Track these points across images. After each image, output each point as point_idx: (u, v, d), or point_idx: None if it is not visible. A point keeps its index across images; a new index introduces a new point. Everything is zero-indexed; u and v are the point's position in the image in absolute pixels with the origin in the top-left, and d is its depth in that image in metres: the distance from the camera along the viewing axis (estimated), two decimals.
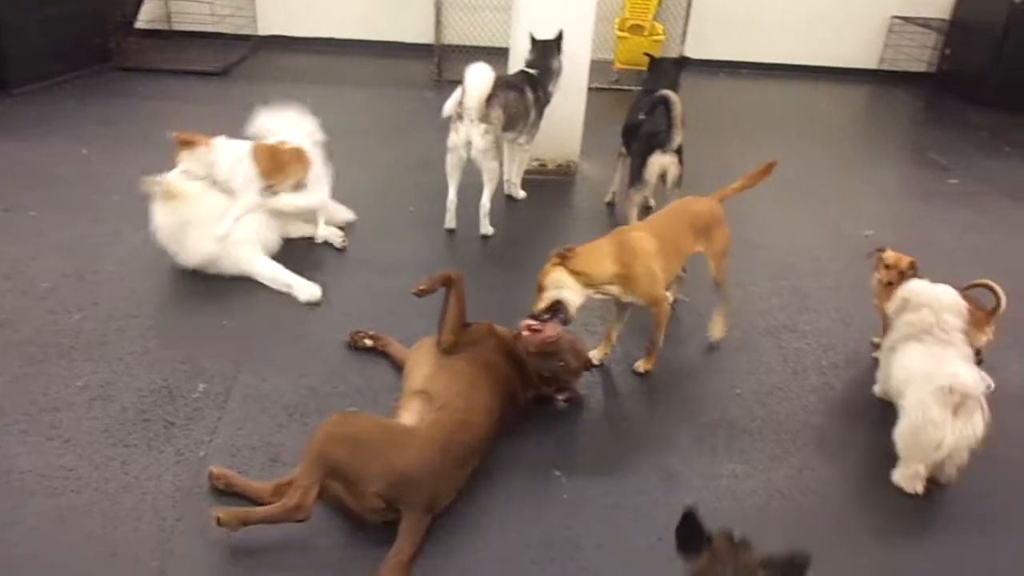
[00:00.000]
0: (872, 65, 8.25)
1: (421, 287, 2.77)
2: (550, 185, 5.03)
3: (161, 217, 3.49)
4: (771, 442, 2.85)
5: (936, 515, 2.60)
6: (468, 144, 4.03)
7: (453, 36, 7.63)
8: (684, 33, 7.44)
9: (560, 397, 2.88)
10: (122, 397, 2.78)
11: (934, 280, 2.95)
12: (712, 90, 7.63)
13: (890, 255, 3.22)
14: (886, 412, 2.95)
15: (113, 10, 6.67)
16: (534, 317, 2.76)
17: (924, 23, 7.95)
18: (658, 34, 7.48)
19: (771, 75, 8.14)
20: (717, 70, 8.02)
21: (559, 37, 4.51)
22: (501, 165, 4.29)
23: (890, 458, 2.68)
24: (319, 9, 7.77)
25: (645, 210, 4.47)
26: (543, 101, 4.51)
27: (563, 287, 2.80)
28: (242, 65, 7.13)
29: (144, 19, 7.39)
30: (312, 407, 2.80)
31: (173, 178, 3.52)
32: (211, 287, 3.54)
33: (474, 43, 7.48)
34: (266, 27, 7.75)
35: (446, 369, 2.62)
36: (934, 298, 2.80)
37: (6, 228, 3.92)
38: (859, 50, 8.21)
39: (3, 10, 5.58)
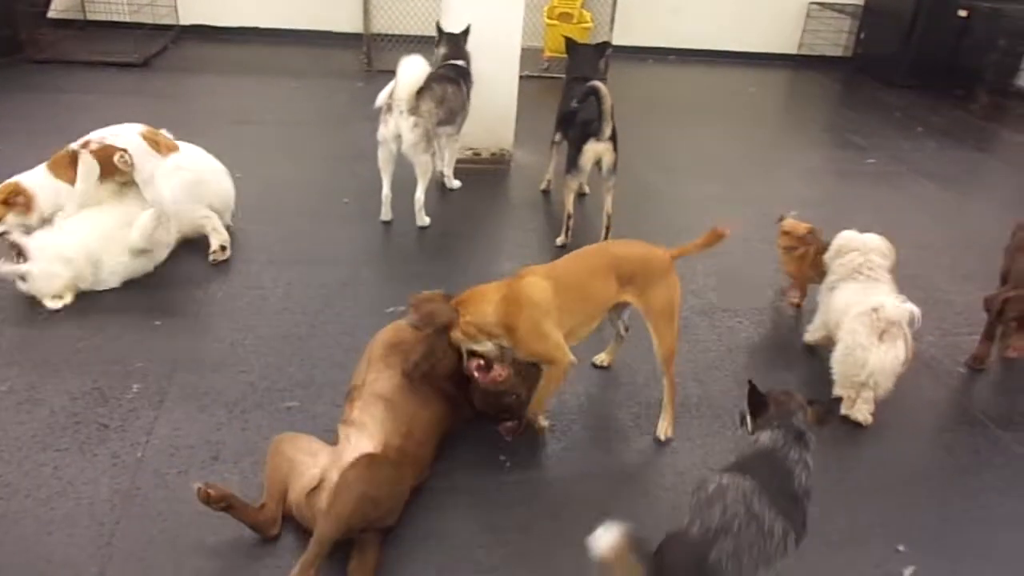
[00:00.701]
0: (792, 50, 8.52)
1: (415, 324, 2.48)
2: (485, 174, 5.04)
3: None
4: (708, 418, 2.94)
5: (855, 478, 2.73)
6: (398, 137, 4.00)
7: (382, 25, 7.54)
8: (612, 20, 7.52)
9: (507, 424, 2.69)
10: (51, 401, 2.69)
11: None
12: (641, 76, 7.76)
13: (787, 223, 3.58)
14: (816, 385, 3.10)
15: (23, 0, 6.36)
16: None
17: (840, 9, 8.25)
18: (586, 22, 7.55)
19: (697, 60, 8.32)
20: (645, 56, 8.16)
21: (467, 31, 4.56)
22: (434, 157, 4.28)
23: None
24: None
25: (579, 196, 4.53)
26: (470, 91, 4.52)
27: (463, 343, 2.53)
28: (163, 56, 6.91)
29: (57, 9, 7.07)
30: (252, 402, 2.77)
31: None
32: (139, 286, 3.45)
33: (404, 32, 7.41)
34: (188, 16, 7.52)
35: (416, 389, 2.47)
36: (862, 242, 3.24)
37: None
38: (779, 36, 8.47)
39: None
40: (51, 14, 7.02)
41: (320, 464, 2.23)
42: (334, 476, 2.16)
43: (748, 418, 2.15)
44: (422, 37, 6.84)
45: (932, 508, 2.63)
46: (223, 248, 3.72)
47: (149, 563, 2.13)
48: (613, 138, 4.02)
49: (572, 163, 4.09)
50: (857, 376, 2.87)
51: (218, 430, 2.63)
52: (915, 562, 2.39)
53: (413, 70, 3.89)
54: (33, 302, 3.23)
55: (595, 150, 4.00)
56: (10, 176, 3.50)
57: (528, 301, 2.48)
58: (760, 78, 8.11)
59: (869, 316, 2.85)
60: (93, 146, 3.49)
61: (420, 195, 4.19)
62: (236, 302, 3.40)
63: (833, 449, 2.81)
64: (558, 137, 4.61)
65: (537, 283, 2.52)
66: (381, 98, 4.01)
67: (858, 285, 3.09)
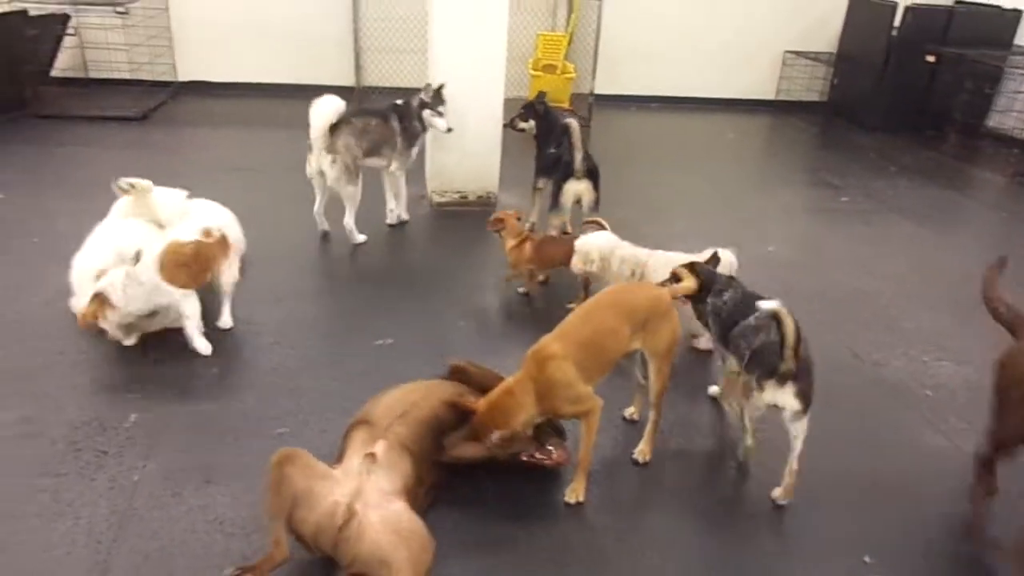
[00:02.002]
0: (770, 96, 8.84)
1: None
2: (471, 216, 5.22)
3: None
4: (683, 442, 3.06)
5: (821, 491, 2.84)
6: (322, 173, 4.34)
7: (373, 78, 7.85)
8: (594, 70, 7.83)
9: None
10: (51, 430, 2.82)
11: (823, 283, 3.33)
12: (624, 123, 8.03)
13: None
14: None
15: (28, 60, 6.63)
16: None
17: (814, 56, 8.58)
18: (569, 72, 7.86)
19: (679, 107, 8.61)
20: (628, 104, 8.45)
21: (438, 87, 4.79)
22: (357, 187, 4.53)
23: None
24: (240, 55, 7.89)
25: (563, 234, 4.70)
26: (411, 131, 4.71)
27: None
28: (161, 110, 7.16)
29: (60, 68, 7.34)
30: (244, 430, 2.90)
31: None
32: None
33: (393, 84, 7.70)
34: (186, 73, 7.82)
35: (435, 461, 2.59)
36: (616, 243, 3.64)
37: None
38: (757, 82, 8.79)
39: None
40: (55, 72, 7.29)
41: (339, 493, 2.22)
42: (368, 515, 2.18)
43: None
44: (410, 89, 7.12)
45: (897, 521, 2.74)
46: None
47: (146, 575, 2.25)
48: (593, 177, 4.23)
49: (554, 201, 4.30)
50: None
51: (212, 454, 2.75)
52: (881, 573, 2.49)
53: (320, 110, 4.25)
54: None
55: (575, 189, 4.22)
56: (19, 221, 3.63)
57: (560, 384, 2.55)
58: (739, 123, 8.40)
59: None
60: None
61: (348, 220, 4.54)
62: (230, 337, 3.54)
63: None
64: (540, 183, 4.83)
65: (560, 367, 2.55)
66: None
67: (659, 259, 3.53)
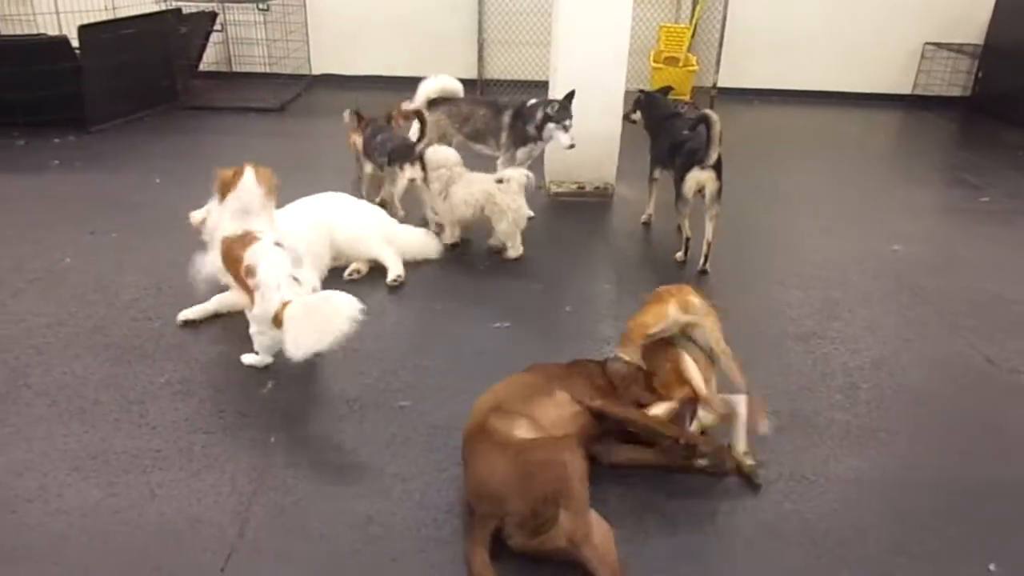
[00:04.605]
0: (906, 90, 8.42)
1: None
2: (588, 206, 5.30)
3: None
4: (798, 435, 3.01)
5: (944, 498, 2.73)
6: None
7: (495, 71, 8.03)
8: (717, 63, 7.70)
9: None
10: (200, 392, 3.09)
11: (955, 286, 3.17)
12: (747, 117, 7.87)
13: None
14: (910, 408, 3.15)
15: (180, 55, 7.19)
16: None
17: (957, 48, 8.11)
18: (692, 65, 7.76)
19: (804, 101, 8.35)
20: (751, 98, 8.26)
21: (568, 96, 4.68)
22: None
23: (914, 449, 2.85)
24: (368, 49, 8.26)
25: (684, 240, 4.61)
26: (521, 132, 4.73)
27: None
28: (297, 101, 7.60)
29: (208, 62, 7.93)
30: (370, 400, 3.08)
31: None
32: None
33: (515, 77, 7.85)
34: (320, 67, 8.24)
35: None
36: (445, 157, 4.35)
37: (92, 248, 4.31)
38: (892, 76, 8.40)
39: (83, 57, 6.09)
40: (202, 67, 7.87)
41: None
42: None
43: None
44: (531, 82, 7.26)
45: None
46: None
47: (282, 525, 2.44)
48: (717, 167, 4.16)
49: (677, 191, 4.28)
50: (518, 225, 4.26)
51: (340, 422, 2.94)
52: None
53: (424, 85, 4.86)
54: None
55: (697, 179, 4.15)
56: (171, 203, 3.97)
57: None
58: (870, 119, 8.06)
59: (509, 186, 4.22)
60: None
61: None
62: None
63: (919, 469, 2.85)
64: (656, 173, 4.82)
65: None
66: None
67: (465, 181, 4.29)
